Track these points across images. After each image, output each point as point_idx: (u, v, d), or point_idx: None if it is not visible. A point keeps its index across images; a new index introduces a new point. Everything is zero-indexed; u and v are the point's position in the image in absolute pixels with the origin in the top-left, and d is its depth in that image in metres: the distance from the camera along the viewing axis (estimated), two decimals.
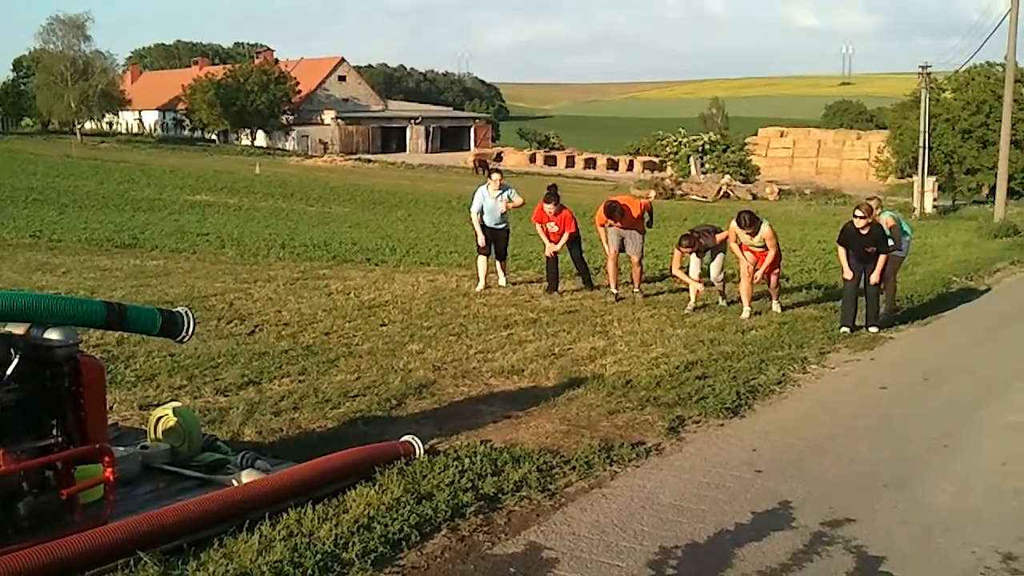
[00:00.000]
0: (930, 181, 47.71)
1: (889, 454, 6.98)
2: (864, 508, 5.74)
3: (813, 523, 5.47)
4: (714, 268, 13.44)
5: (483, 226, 14.20)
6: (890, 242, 12.58)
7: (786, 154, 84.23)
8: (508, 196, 14.17)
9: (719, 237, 13.31)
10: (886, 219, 13.20)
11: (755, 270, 12.65)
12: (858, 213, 12.09)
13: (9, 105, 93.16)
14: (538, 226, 14.42)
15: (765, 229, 12.54)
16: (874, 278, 12.11)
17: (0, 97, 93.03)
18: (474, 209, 14.34)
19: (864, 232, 12.04)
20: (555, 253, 14.05)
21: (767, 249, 12.58)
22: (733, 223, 12.64)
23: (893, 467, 6.65)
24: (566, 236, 13.99)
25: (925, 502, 5.97)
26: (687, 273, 13.12)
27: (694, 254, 13.15)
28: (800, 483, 6.18)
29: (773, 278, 13.11)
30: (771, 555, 5.04)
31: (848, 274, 12.20)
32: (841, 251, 12.36)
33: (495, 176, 14.47)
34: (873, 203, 13.38)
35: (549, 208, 13.97)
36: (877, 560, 5.02)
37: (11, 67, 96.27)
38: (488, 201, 14.21)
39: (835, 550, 5.12)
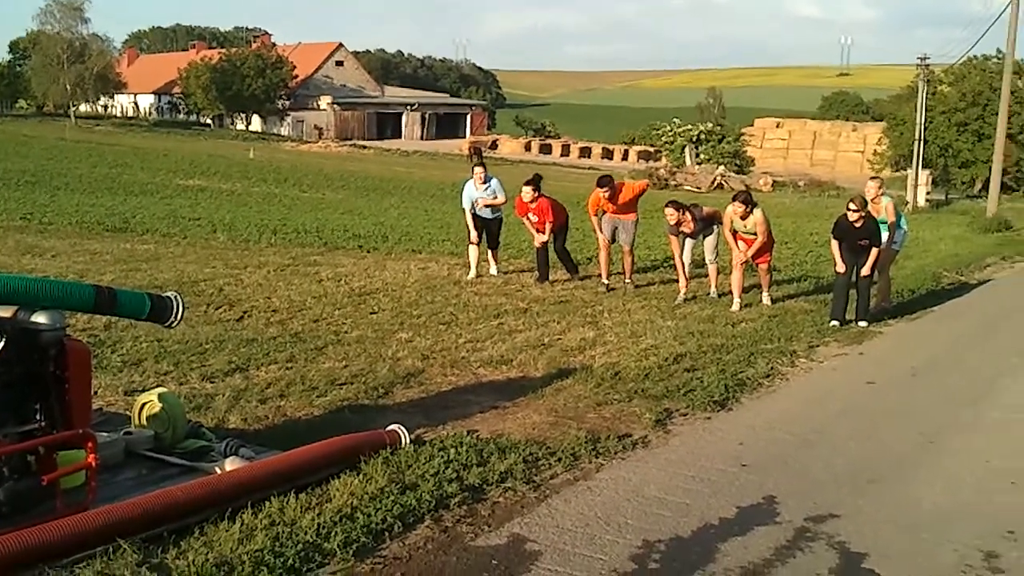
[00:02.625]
0: (924, 174, 47.72)
1: (875, 450, 6.98)
2: (849, 504, 5.74)
3: (797, 518, 5.46)
4: (708, 248, 13.42)
5: (475, 216, 14.20)
6: (884, 234, 12.58)
7: (781, 145, 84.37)
8: (493, 192, 14.17)
9: (707, 210, 13.35)
10: (886, 203, 13.20)
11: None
12: (851, 206, 12.07)
13: (4, 87, 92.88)
14: (524, 218, 14.43)
15: (757, 214, 12.54)
16: (865, 271, 12.10)
17: None
18: (466, 205, 14.36)
19: (857, 225, 12.02)
20: (544, 243, 14.05)
21: (757, 236, 12.59)
22: (730, 204, 12.64)
23: (879, 463, 6.65)
24: (549, 226, 13.98)
25: (910, 498, 5.97)
26: (682, 258, 13.12)
27: (688, 238, 13.15)
28: (785, 478, 6.18)
29: (763, 266, 13.10)
30: (754, 550, 5.03)
31: (840, 267, 12.20)
32: (834, 244, 12.35)
33: (477, 170, 14.43)
34: (875, 183, 13.44)
35: (526, 192, 13.97)
36: (860, 556, 5.01)
37: (7, 49, 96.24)
38: (476, 194, 14.22)
39: (818, 546, 5.11)
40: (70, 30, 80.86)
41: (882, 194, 13.33)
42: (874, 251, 12.08)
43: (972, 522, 5.60)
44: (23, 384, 4.75)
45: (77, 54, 79.79)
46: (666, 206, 13.23)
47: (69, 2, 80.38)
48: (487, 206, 14.22)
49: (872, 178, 14.25)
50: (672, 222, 13.02)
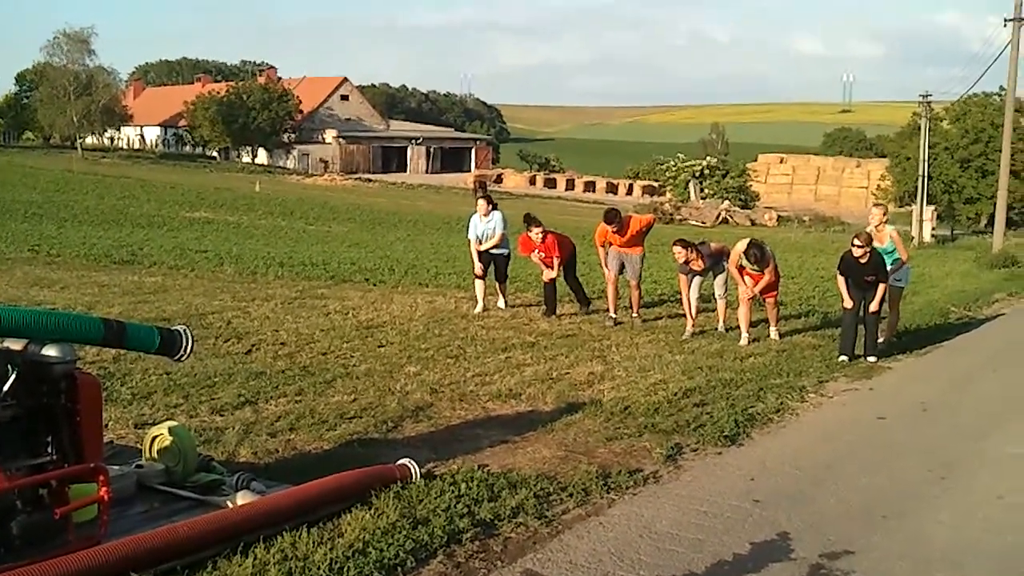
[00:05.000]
0: (929, 210, 47.78)
1: (887, 485, 6.94)
2: (863, 540, 5.71)
3: (811, 555, 5.42)
4: (717, 283, 13.42)
5: (482, 252, 14.21)
6: (897, 257, 12.60)
7: (785, 180, 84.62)
8: (494, 227, 14.18)
9: (714, 246, 13.35)
10: (890, 231, 13.17)
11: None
12: (856, 243, 12.06)
13: (11, 119, 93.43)
14: (529, 256, 14.44)
15: (766, 259, 12.55)
16: (873, 306, 12.08)
17: (2, 110, 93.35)
18: (471, 236, 14.40)
19: (863, 261, 12.02)
20: (552, 279, 14.04)
21: (763, 273, 12.59)
22: (740, 251, 12.58)
23: (891, 498, 6.61)
24: (557, 261, 13.98)
25: (924, 534, 5.94)
26: (690, 297, 13.09)
27: (697, 276, 13.13)
28: (798, 514, 6.14)
29: (770, 300, 13.09)
30: None
31: (848, 303, 12.18)
32: (840, 280, 12.34)
33: (480, 202, 14.49)
34: (879, 211, 13.41)
35: (535, 233, 13.97)
36: None
37: (14, 80, 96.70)
38: (481, 227, 14.25)
39: None
40: (77, 63, 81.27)
41: (886, 222, 13.29)
42: (881, 286, 12.08)
43: (986, 558, 5.57)
44: (34, 417, 4.74)
45: (84, 86, 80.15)
46: (674, 245, 13.22)
47: (76, 35, 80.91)
48: (488, 249, 14.23)
49: (876, 205, 14.25)
50: (680, 260, 13.02)
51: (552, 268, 13.99)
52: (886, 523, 6.08)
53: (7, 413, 4.55)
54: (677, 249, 13.04)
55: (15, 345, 4.74)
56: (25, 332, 4.72)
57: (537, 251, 14.11)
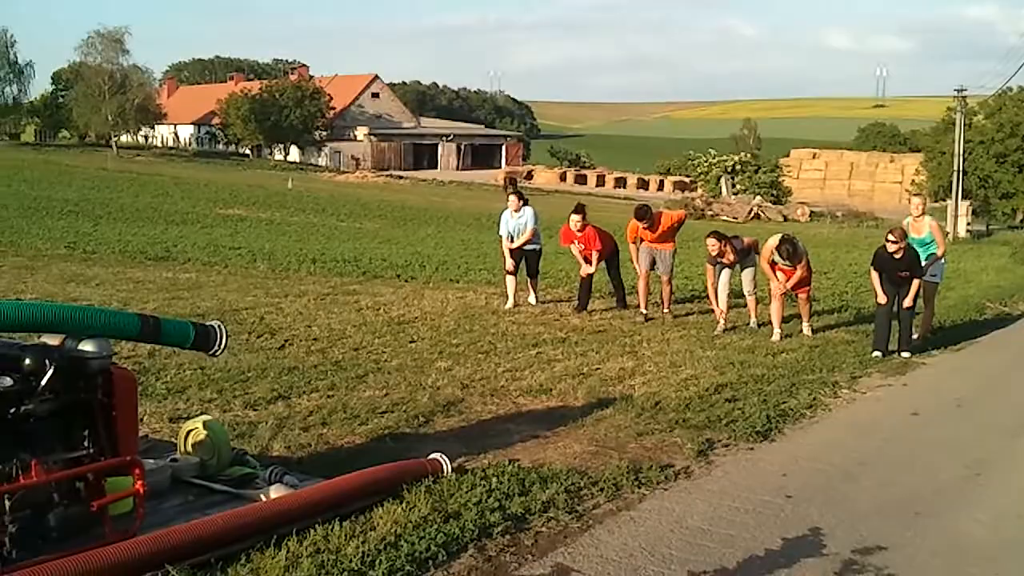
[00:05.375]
0: (964, 205, 47.26)
1: (921, 481, 6.89)
2: (896, 536, 5.67)
3: (844, 550, 5.40)
4: (746, 280, 13.36)
5: (513, 248, 14.22)
6: (934, 249, 12.53)
7: (818, 176, 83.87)
8: (525, 222, 14.17)
9: (747, 240, 13.30)
10: (929, 221, 13.09)
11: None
12: (891, 238, 11.97)
13: (47, 118, 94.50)
14: (570, 246, 14.41)
15: (799, 256, 12.48)
16: (907, 302, 12.00)
17: (39, 110, 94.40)
18: (502, 232, 14.40)
19: (897, 256, 11.93)
20: (590, 274, 14.02)
21: (795, 268, 12.52)
22: (772, 246, 12.51)
23: (925, 495, 6.57)
24: (596, 255, 13.95)
25: (958, 531, 5.89)
26: (716, 288, 13.04)
27: (725, 268, 13.08)
28: (831, 509, 6.11)
29: (803, 296, 13.03)
30: None
31: (882, 298, 12.09)
32: (874, 275, 12.26)
33: (512, 198, 14.49)
34: (919, 200, 13.39)
35: (574, 221, 13.92)
36: None
37: (50, 80, 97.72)
38: (513, 223, 14.25)
39: None
40: (111, 62, 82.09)
41: (925, 207, 13.21)
42: (915, 282, 11.99)
43: (1021, 557, 5.52)
44: (71, 412, 4.78)
45: (118, 85, 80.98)
46: (708, 237, 13.19)
47: (110, 34, 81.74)
48: (521, 246, 14.22)
49: (915, 195, 14.20)
50: (714, 252, 12.98)
51: (591, 263, 13.96)
52: (920, 520, 6.04)
53: (44, 407, 4.60)
54: (711, 241, 13.01)
55: (52, 340, 4.79)
56: (62, 328, 4.78)
57: (576, 243, 14.08)
